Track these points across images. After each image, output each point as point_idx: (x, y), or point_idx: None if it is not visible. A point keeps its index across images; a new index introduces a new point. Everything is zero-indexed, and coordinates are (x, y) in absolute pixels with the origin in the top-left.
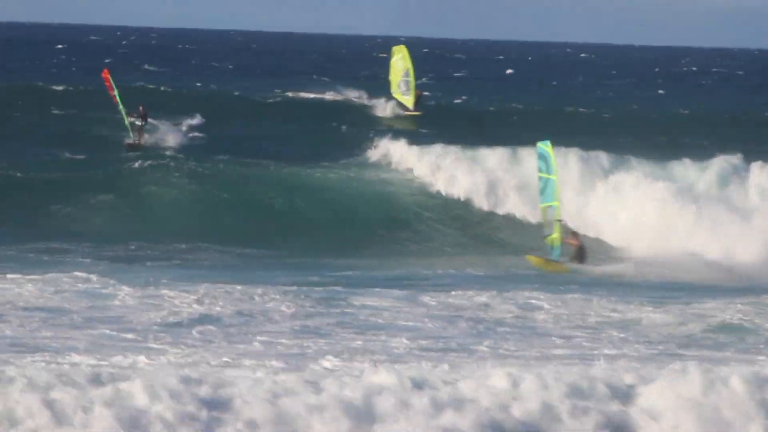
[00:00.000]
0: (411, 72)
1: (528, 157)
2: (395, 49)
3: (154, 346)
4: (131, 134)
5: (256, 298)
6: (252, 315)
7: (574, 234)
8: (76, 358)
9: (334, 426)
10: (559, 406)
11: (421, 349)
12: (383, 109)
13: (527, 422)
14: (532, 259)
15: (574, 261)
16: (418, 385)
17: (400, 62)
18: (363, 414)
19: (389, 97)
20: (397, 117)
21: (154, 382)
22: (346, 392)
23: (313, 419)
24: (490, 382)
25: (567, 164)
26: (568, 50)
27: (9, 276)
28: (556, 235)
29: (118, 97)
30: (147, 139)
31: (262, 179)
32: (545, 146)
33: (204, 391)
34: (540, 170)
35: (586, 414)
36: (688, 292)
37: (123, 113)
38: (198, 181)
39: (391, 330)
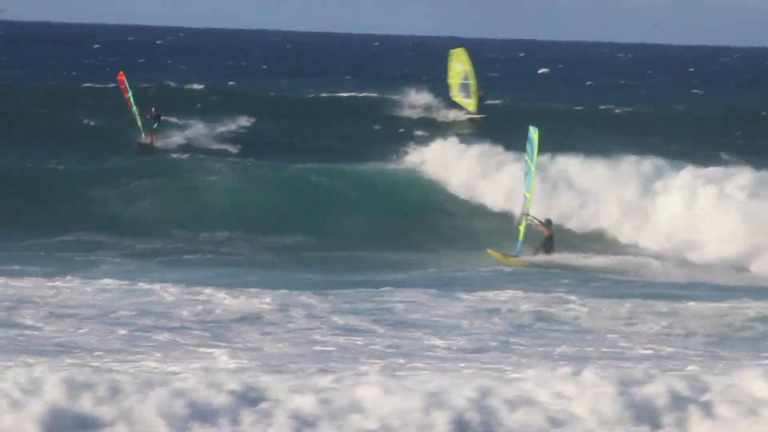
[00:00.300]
0: (471, 74)
1: (565, 161)
2: (453, 52)
3: (199, 347)
4: (143, 135)
5: (292, 295)
6: (289, 311)
7: (548, 222)
8: (122, 359)
9: None
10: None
11: (460, 349)
12: (421, 107)
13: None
14: (493, 254)
15: (540, 250)
16: (484, 389)
17: (458, 65)
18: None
19: (424, 94)
20: (433, 116)
21: (206, 385)
22: (397, 400)
23: (368, 425)
24: (558, 384)
25: (619, 170)
26: (607, 50)
27: (47, 274)
28: (522, 228)
29: (132, 99)
30: (159, 139)
31: (300, 175)
32: (534, 133)
33: (262, 395)
34: (527, 153)
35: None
36: (725, 291)
37: (136, 114)
38: (235, 175)
39: (428, 329)
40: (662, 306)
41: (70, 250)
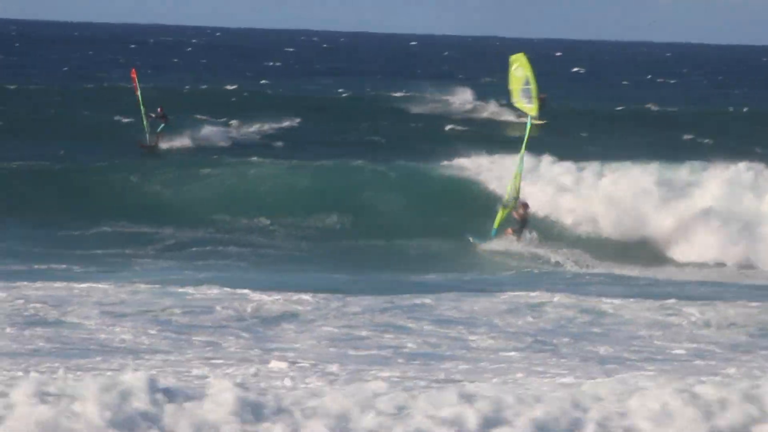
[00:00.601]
0: (532, 79)
1: (610, 171)
2: (513, 58)
3: (242, 349)
4: (147, 136)
5: (329, 293)
6: (326, 311)
7: (524, 206)
8: (167, 361)
9: None
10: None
11: (503, 349)
12: (462, 106)
13: None
14: (473, 241)
15: (512, 232)
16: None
17: (519, 71)
18: None
19: (464, 94)
20: (474, 115)
21: (258, 391)
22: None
23: None
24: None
25: (659, 175)
26: (644, 49)
27: (83, 274)
28: (499, 215)
29: (140, 98)
30: (164, 141)
31: (340, 169)
32: (529, 124)
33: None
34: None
35: None
36: (761, 290)
37: (142, 114)
38: (271, 169)
39: (466, 327)
40: (699, 305)
41: (105, 246)
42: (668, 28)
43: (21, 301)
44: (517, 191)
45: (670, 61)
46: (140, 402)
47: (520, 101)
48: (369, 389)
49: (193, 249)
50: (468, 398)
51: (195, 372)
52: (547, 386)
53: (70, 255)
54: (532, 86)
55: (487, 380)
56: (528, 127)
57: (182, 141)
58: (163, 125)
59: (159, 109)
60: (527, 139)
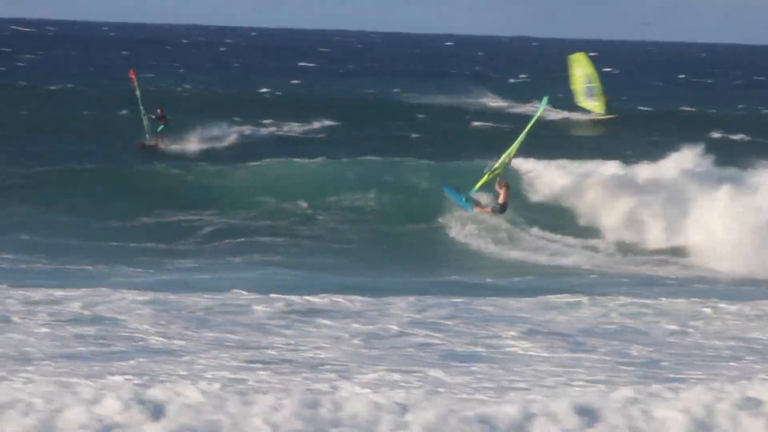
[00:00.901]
0: (594, 77)
1: (648, 172)
2: (572, 57)
3: (280, 350)
4: (147, 136)
5: (363, 292)
6: (361, 310)
7: (507, 187)
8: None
9: None
10: None
11: (544, 351)
12: (491, 106)
13: None
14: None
15: (488, 210)
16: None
17: (579, 69)
18: None
19: (493, 95)
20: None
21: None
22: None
23: None
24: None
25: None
26: (673, 49)
27: (120, 271)
28: (484, 179)
29: (139, 99)
30: (165, 142)
31: (381, 167)
32: (543, 105)
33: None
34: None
35: None
36: None
37: (142, 115)
38: (310, 165)
39: (501, 325)
40: (734, 303)
41: (141, 240)
42: (700, 29)
43: (56, 303)
44: (510, 158)
45: (705, 61)
46: (201, 410)
47: (584, 101)
48: (417, 394)
49: (230, 243)
50: (526, 406)
51: (239, 375)
52: (597, 394)
53: (107, 249)
54: (595, 84)
55: (529, 385)
56: (542, 105)
57: (219, 141)
58: (162, 126)
59: (159, 111)
60: (538, 117)
